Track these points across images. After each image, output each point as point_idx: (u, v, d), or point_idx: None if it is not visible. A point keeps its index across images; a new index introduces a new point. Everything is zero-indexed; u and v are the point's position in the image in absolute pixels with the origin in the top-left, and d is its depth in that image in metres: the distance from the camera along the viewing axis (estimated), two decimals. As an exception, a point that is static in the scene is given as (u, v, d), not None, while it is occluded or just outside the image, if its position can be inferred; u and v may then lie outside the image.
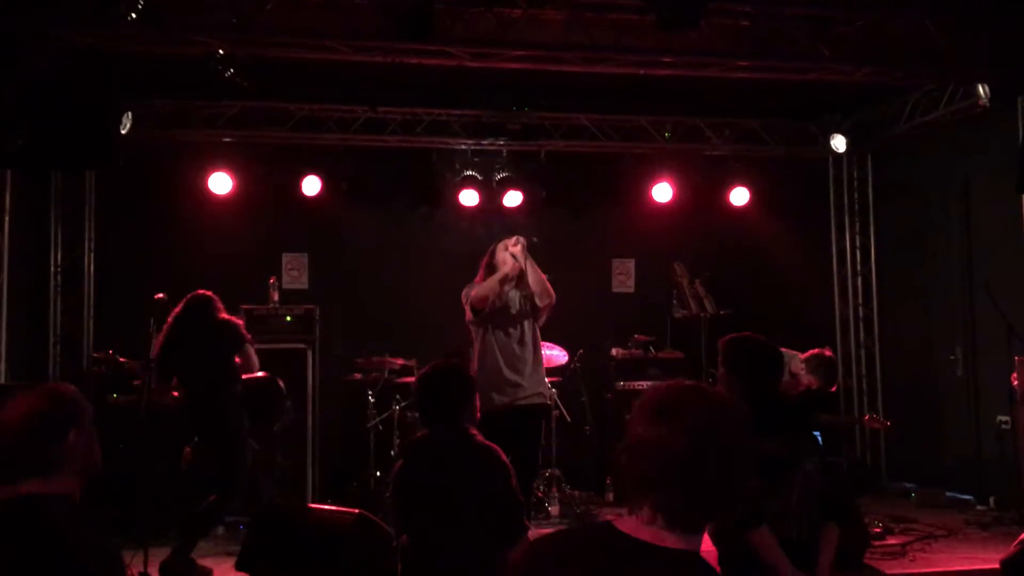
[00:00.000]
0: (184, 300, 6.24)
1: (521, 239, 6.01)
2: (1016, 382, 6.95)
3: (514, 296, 5.99)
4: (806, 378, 6.23)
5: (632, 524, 1.87)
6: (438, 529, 3.61)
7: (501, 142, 9.19)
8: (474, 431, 3.78)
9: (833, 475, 3.81)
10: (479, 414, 3.96)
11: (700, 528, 1.87)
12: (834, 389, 6.66)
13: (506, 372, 5.83)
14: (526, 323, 5.97)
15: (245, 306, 7.88)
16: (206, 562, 6.08)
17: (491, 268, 6.07)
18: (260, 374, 6.43)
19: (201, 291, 6.30)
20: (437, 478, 3.66)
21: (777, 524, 3.60)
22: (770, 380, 3.79)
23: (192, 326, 6.16)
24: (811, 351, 6.39)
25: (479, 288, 5.91)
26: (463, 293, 6.01)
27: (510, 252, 5.95)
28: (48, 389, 2.62)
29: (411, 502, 3.73)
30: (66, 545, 2.37)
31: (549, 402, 6.46)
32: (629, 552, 1.83)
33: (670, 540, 1.83)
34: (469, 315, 5.95)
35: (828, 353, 6.41)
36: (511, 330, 5.92)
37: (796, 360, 6.31)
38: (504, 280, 5.93)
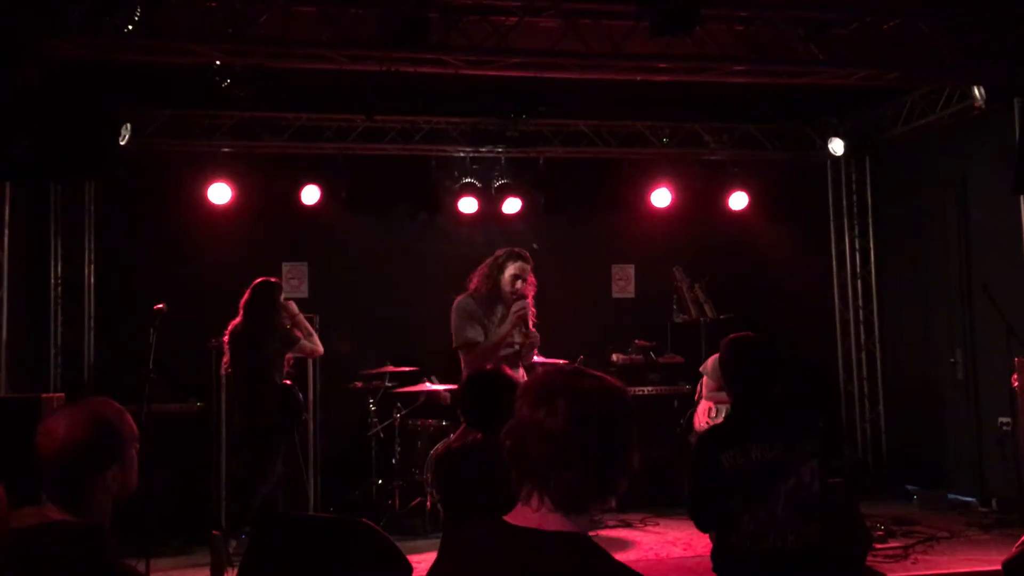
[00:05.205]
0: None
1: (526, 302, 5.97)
2: (1016, 383, 6.93)
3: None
4: None
5: (520, 513, 1.88)
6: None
7: (499, 149, 9.19)
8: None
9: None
10: None
11: (585, 509, 1.87)
12: None
13: None
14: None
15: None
16: (207, 572, 6.08)
17: (493, 280, 5.99)
18: (285, 382, 6.77)
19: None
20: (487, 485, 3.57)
21: (759, 534, 3.50)
22: (763, 383, 3.70)
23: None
24: None
25: (485, 344, 5.85)
26: (454, 307, 5.98)
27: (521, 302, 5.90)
28: (95, 413, 2.39)
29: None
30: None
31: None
32: (516, 542, 1.84)
33: (555, 523, 1.84)
34: (455, 344, 5.96)
35: None
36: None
37: None
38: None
